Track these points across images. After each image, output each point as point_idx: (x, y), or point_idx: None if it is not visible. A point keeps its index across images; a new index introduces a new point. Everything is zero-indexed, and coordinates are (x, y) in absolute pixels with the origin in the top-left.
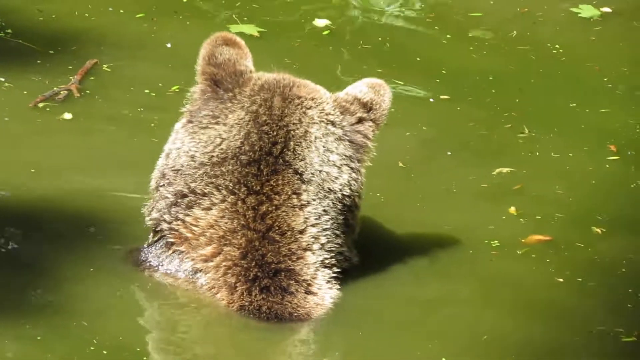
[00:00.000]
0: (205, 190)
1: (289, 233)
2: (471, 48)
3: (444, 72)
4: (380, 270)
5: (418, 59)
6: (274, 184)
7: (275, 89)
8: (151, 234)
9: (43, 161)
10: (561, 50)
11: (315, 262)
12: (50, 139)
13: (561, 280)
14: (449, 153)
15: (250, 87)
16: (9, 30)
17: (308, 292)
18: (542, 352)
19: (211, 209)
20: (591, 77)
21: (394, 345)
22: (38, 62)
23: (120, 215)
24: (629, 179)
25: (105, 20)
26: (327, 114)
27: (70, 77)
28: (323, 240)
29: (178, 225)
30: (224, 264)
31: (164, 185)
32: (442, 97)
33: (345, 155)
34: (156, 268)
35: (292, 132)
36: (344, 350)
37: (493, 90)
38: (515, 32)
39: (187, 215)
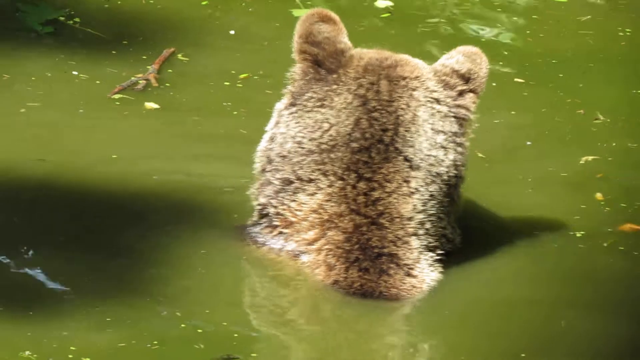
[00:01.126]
0: (312, 177)
1: (397, 220)
2: (528, 32)
3: (505, 53)
4: (461, 266)
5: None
6: (386, 172)
7: (380, 71)
8: (256, 215)
9: (133, 151)
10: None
11: (419, 247)
12: (137, 128)
13: None
14: (529, 143)
15: (354, 69)
16: (77, 19)
17: (408, 275)
18: (627, 353)
19: (316, 194)
20: None
21: (469, 341)
22: (113, 52)
23: (218, 201)
24: None
25: (171, 6)
26: (431, 92)
27: (148, 67)
28: (428, 225)
29: (284, 209)
30: (326, 247)
31: (270, 170)
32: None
33: (451, 133)
34: (261, 245)
35: (401, 117)
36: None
37: (560, 75)
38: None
39: (293, 200)
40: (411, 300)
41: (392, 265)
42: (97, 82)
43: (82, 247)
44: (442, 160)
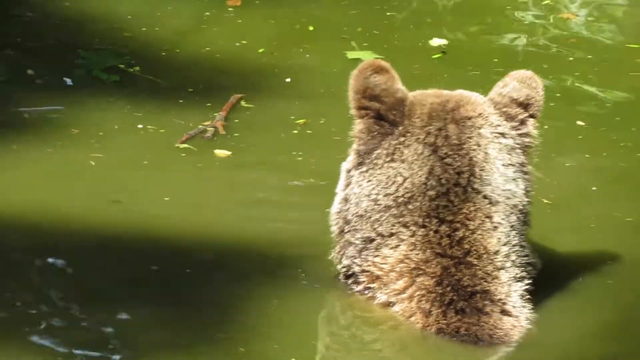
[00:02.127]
0: (393, 231)
1: (485, 256)
2: (577, 73)
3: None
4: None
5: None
6: (467, 212)
7: (444, 115)
8: (341, 277)
9: (209, 199)
10: None
11: (508, 280)
12: (210, 177)
13: None
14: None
15: (419, 117)
16: (137, 67)
17: (503, 312)
18: None
19: (399, 246)
20: None
21: None
22: (180, 101)
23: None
24: None
25: (229, 54)
26: (496, 127)
27: (215, 114)
28: (514, 257)
29: (369, 266)
30: (417, 293)
31: (349, 231)
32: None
33: (519, 164)
34: (350, 294)
35: (473, 158)
36: None
37: (616, 118)
38: None
39: (377, 256)
40: (509, 341)
41: (486, 302)
42: (162, 131)
43: (159, 296)
44: (516, 192)
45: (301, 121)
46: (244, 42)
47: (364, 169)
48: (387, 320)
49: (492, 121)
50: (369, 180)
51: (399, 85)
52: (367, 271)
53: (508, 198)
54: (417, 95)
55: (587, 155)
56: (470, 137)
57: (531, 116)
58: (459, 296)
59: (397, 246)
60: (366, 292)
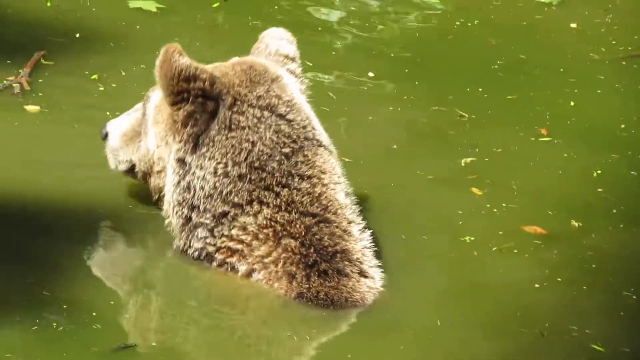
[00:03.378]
0: (253, 197)
1: (339, 211)
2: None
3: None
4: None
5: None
6: (320, 165)
7: (263, 78)
8: (194, 258)
9: (26, 155)
10: None
11: (359, 234)
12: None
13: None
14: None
15: (239, 85)
16: None
17: (361, 273)
18: None
19: (262, 210)
20: None
21: None
22: None
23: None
24: None
25: (19, 9)
26: (297, 82)
27: (20, 70)
28: (353, 208)
29: (224, 242)
30: (283, 256)
31: (196, 215)
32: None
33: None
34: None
35: (307, 111)
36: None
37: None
38: None
39: (233, 228)
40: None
41: (346, 263)
42: None
43: None
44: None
45: (95, 76)
46: None
47: (203, 149)
48: (246, 291)
49: (293, 77)
50: (211, 158)
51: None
52: (224, 247)
53: (333, 149)
54: (220, 68)
55: (390, 108)
56: (293, 93)
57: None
58: (321, 257)
59: (258, 212)
60: (223, 267)
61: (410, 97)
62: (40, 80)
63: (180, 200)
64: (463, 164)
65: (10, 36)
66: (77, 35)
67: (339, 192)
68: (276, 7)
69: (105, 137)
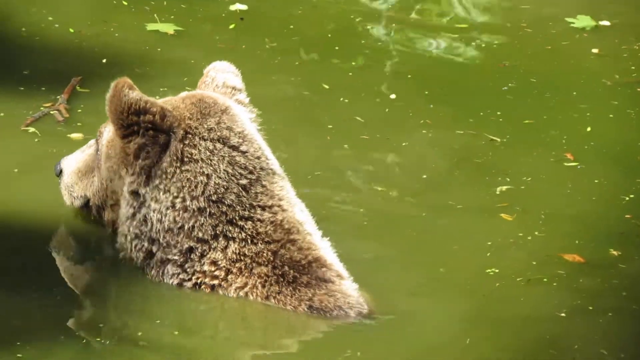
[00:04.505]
0: (217, 231)
1: (300, 229)
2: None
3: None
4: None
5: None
6: (277, 193)
7: (214, 110)
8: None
9: None
10: None
11: (321, 244)
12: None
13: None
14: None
15: (190, 118)
16: None
17: (339, 276)
18: None
19: (229, 245)
20: None
21: None
22: (21, 88)
23: None
24: None
25: (47, 36)
26: (246, 112)
27: (57, 97)
28: (308, 220)
29: (199, 278)
30: (258, 282)
31: (160, 249)
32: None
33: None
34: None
35: (258, 141)
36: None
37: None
38: None
39: (204, 264)
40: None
41: (324, 269)
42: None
43: None
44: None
45: None
46: (50, 18)
47: (156, 182)
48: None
49: (242, 108)
50: (166, 191)
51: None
52: (200, 283)
53: (284, 175)
54: (171, 101)
55: (423, 132)
56: (244, 124)
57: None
58: (299, 271)
59: (225, 246)
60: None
61: (431, 120)
62: (81, 106)
63: (138, 233)
64: (498, 192)
65: (41, 63)
66: (104, 60)
67: (297, 212)
68: (291, 26)
69: (60, 173)
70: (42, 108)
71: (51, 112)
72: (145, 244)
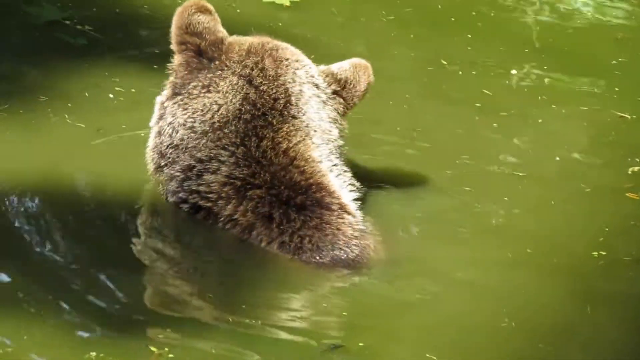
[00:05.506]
0: (212, 154)
1: (310, 160)
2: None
3: None
4: None
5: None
6: (287, 130)
7: (263, 52)
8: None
9: None
10: None
11: (339, 184)
12: None
13: None
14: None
15: (237, 53)
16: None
17: (342, 208)
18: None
19: (220, 168)
20: None
21: None
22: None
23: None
24: None
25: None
26: (311, 76)
27: None
28: (337, 172)
29: (195, 198)
30: (250, 205)
31: (167, 164)
32: None
33: (332, 117)
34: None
35: (290, 89)
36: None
37: None
38: None
39: (200, 184)
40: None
41: (324, 194)
42: None
43: None
44: (331, 132)
45: None
46: None
47: (179, 99)
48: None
49: (307, 70)
50: (185, 110)
51: (220, 27)
52: (195, 203)
53: (324, 131)
54: (238, 38)
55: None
56: (286, 72)
57: (343, 98)
58: (295, 191)
59: (217, 169)
60: (206, 219)
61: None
62: None
63: (154, 145)
64: (630, 172)
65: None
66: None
67: (313, 152)
68: None
69: None
70: None
71: None
72: (156, 157)
